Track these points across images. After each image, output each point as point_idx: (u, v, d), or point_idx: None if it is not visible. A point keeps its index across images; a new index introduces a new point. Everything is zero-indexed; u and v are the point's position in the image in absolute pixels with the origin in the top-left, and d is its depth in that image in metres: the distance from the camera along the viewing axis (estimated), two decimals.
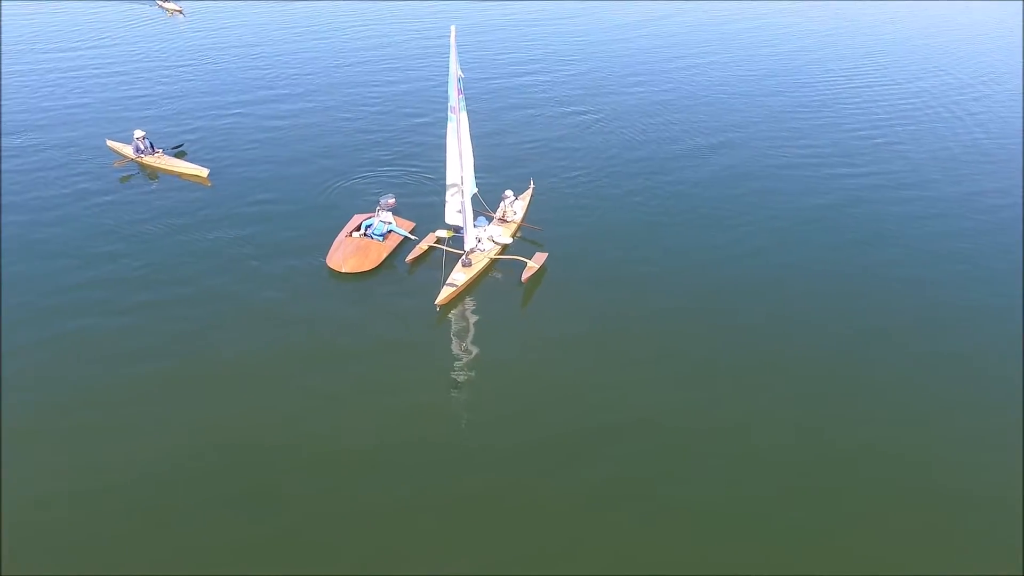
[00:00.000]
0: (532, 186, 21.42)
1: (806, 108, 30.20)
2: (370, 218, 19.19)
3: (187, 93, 28.65)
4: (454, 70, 15.48)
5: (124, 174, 22.28)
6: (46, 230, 19.06)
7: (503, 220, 19.71)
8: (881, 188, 23.35)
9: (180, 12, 39.32)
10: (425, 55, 34.52)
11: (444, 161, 17.01)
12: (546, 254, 18.47)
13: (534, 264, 17.94)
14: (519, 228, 19.90)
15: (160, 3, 40.26)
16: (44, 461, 12.58)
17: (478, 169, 17.92)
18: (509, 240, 19.01)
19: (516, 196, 20.41)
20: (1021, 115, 30.10)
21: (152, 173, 22.42)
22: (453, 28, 15.30)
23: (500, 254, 18.54)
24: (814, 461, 13.16)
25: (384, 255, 18.36)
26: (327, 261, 18.03)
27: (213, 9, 41.18)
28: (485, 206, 19.27)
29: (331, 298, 17.24)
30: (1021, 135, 27.95)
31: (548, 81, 32.24)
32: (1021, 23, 47.14)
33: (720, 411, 14.12)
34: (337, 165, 23.35)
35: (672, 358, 15.57)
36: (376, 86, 30.62)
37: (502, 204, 19.87)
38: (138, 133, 22.64)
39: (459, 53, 15.43)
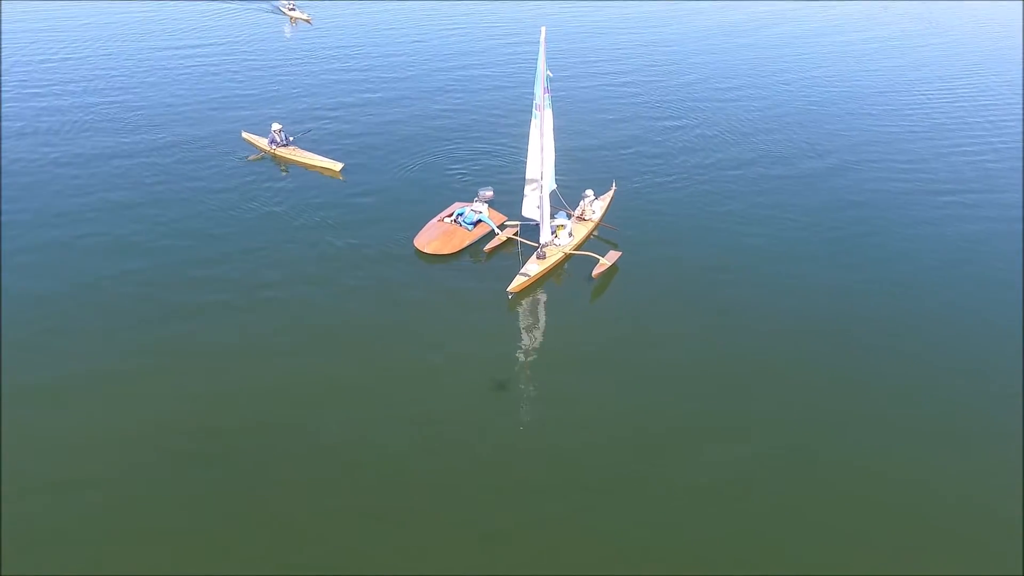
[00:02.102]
0: (614, 188, 21.92)
1: (916, 129, 29.19)
2: (465, 206, 20.27)
3: (310, 92, 30.27)
4: (542, 69, 16.29)
5: (258, 164, 23.67)
6: (176, 214, 20.62)
7: (581, 218, 20.33)
8: (999, 220, 22.12)
9: (308, 21, 40.82)
10: (526, 57, 35.56)
11: (541, 158, 17.63)
12: (619, 253, 18.97)
13: (606, 261, 18.47)
14: (596, 227, 20.47)
15: (287, 11, 41.97)
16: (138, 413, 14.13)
17: (561, 167, 18.60)
18: (584, 237, 19.65)
19: (596, 196, 20.97)
20: None
21: (285, 166, 23.70)
22: (543, 29, 16.09)
23: (574, 250, 19.18)
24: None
25: (466, 243, 19.37)
26: (414, 240, 19.23)
27: (336, 14, 43.33)
28: (564, 203, 19.94)
29: (412, 275, 18.36)
30: None
31: (640, 87, 32.61)
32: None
33: (782, 435, 13.88)
34: (440, 158, 24.57)
35: (735, 375, 15.32)
36: (479, 85, 31.96)
37: (582, 203, 20.50)
38: (275, 126, 24.10)
39: (549, 54, 16.23)
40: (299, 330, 16.15)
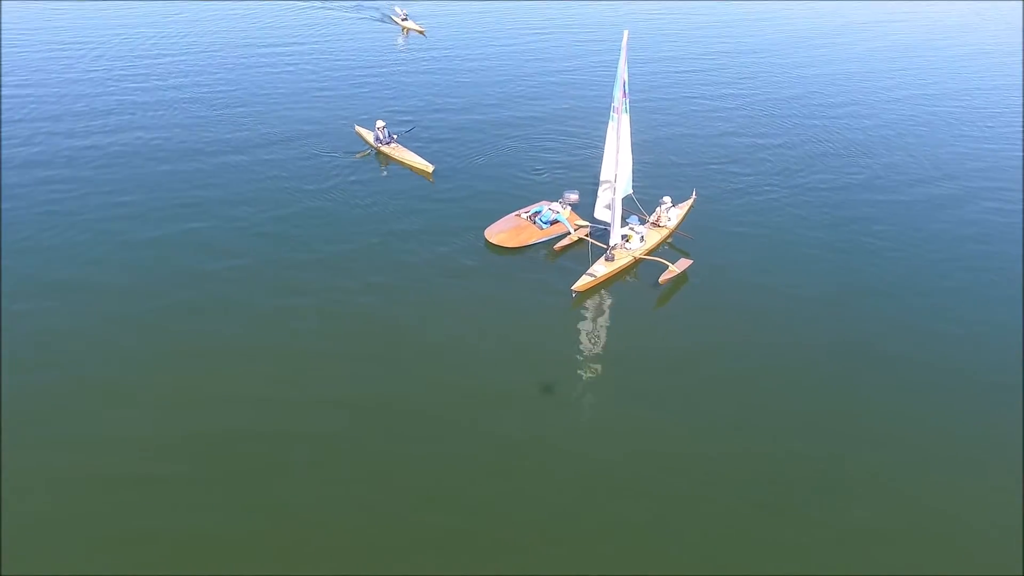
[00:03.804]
0: (694, 196, 21.69)
1: None
2: (546, 205, 20.70)
3: (413, 96, 31.15)
4: (622, 72, 16.44)
5: (360, 162, 24.63)
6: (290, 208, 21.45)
7: (656, 224, 20.25)
8: None
9: (422, 32, 41.19)
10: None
11: (616, 160, 17.80)
12: (690, 262, 18.81)
13: (675, 268, 18.36)
14: (671, 235, 20.35)
15: (399, 21, 42.47)
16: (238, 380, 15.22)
17: (644, 173, 18.34)
18: (656, 243, 19.62)
19: (674, 204, 20.84)
20: None
21: (385, 162, 24.79)
22: (626, 32, 16.25)
23: (644, 255, 19.16)
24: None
25: (532, 240, 19.77)
26: (485, 231, 19.85)
27: (445, 23, 43.92)
28: (639, 207, 19.93)
29: (481, 265, 18.93)
30: None
31: (738, 100, 32.04)
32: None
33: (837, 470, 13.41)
34: (528, 162, 24.93)
35: (793, 404, 14.81)
36: (574, 91, 32.15)
37: (658, 209, 20.41)
38: (379, 123, 25.34)
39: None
40: (364, 329, 16.41)
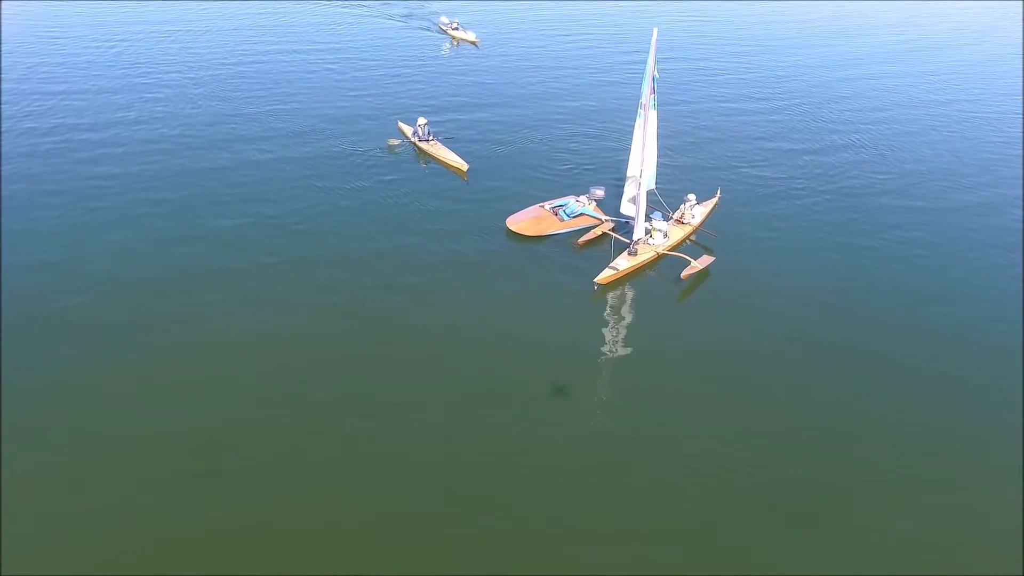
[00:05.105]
0: (719, 196, 21.91)
1: None
2: (572, 199, 21.14)
3: (456, 97, 31.57)
4: (651, 69, 16.75)
5: (397, 158, 25.22)
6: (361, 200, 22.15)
7: (679, 221, 20.51)
8: None
9: (475, 43, 39.70)
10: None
11: (642, 156, 18.01)
12: (712, 259, 19.05)
13: (697, 264, 18.61)
14: (694, 232, 20.60)
15: (449, 30, 41.23)
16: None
17: (670, 171, 18.53)
18: (679, 240, 19.90)
19: (698, 202, 21.08)
20: None
21: (425, 159, 25.39)
22: (655, 30, 16.55)
23: (667, 251, 19.44)
24: None
25: (551, 230, 20.31)
26: (507, 220, 20.46)
27: (497, 32, 43.38)
28: (663, 203, 20.21)
29: (507, 257, 19.39)
30: None
31: (765, 99, 32.14)
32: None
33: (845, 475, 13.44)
34: (559, 165, 25.17)
35: (808, 407, 14.85)
36: (614, 99, 32.47)
37: (682, 206, 20.68)
38: (421, 120, 25.90)
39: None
40: (389, 325, 16.70)
